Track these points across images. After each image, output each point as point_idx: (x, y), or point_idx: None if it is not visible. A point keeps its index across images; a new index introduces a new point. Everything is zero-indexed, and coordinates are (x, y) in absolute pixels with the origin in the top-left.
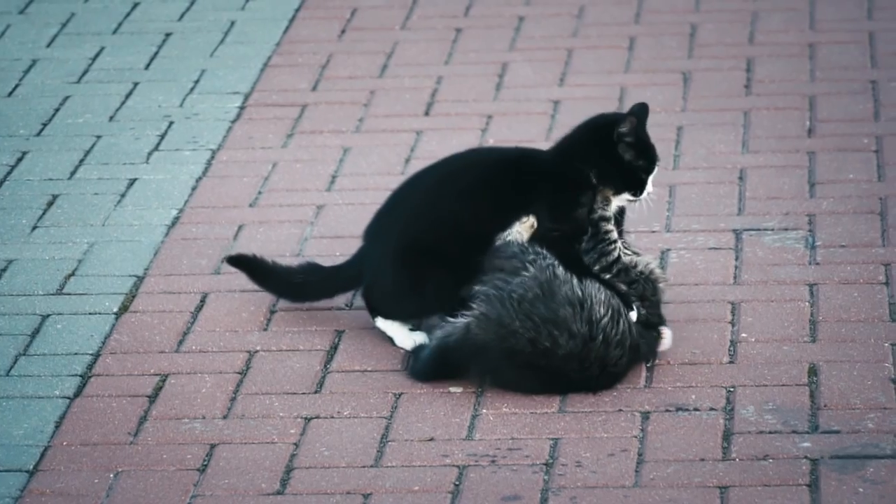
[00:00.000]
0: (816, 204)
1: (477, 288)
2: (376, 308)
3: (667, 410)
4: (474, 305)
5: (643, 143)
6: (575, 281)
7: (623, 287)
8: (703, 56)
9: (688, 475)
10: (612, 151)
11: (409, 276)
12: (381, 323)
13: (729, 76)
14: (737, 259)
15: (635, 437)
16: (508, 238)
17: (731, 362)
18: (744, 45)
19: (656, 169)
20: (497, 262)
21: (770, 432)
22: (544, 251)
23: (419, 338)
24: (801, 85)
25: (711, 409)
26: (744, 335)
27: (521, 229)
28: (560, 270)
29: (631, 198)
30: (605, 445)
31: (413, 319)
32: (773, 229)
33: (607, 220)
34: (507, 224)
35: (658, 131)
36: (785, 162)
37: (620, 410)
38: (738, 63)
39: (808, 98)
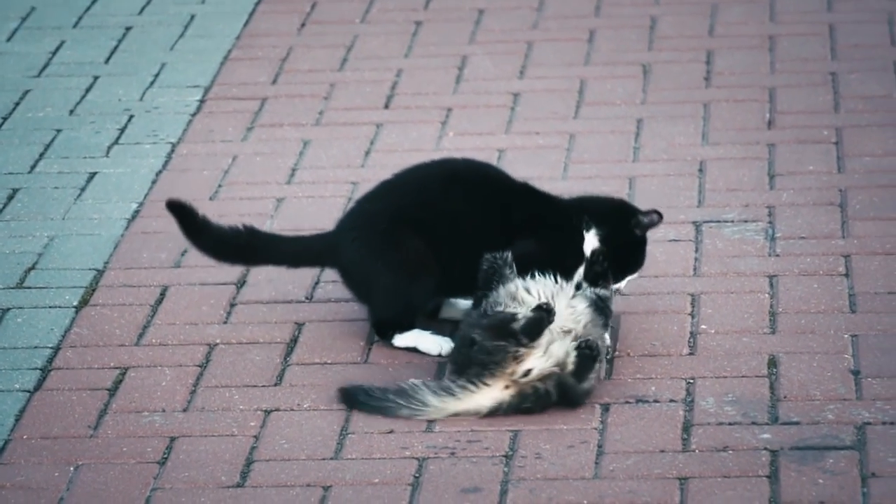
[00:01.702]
0: (776, 196)
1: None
2: (374, 320)
3: (626, 402)
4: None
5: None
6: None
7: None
8: (662, 48)
9: (647, 467)
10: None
11: (392, 250)
12: (399, 340)
13: (689, 68)
14: (696, 251)
15: (595, 428)
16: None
17: (690, 354)
18: (703, 38)
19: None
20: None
21: (730, 424)
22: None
23: (446, 345)
24: (760, 77)
25: (671, 400)
26: (703, 327)
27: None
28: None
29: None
30: (564, 437)
31: (402, 317)
32: (732, 221)
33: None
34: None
35: (618, 124)
36: (745, 154)
37: None
38: (697, 55)
39: (767, 90)
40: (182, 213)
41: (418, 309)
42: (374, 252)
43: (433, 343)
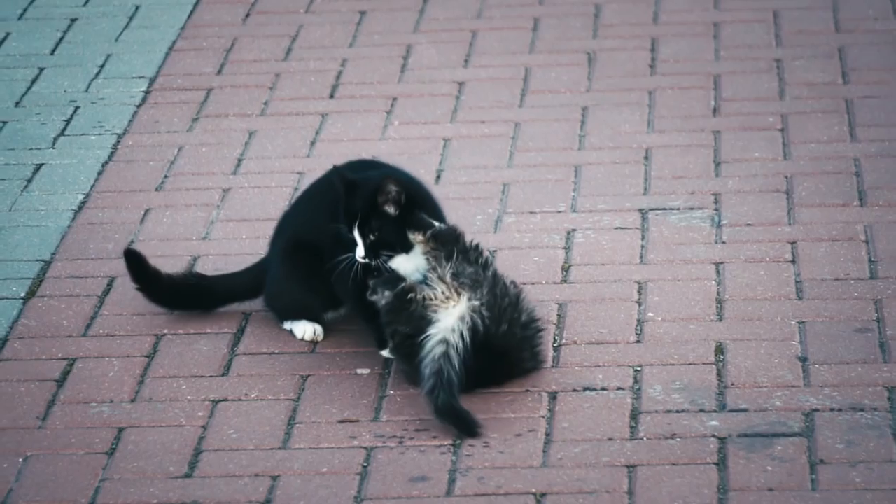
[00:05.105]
0: (722, 183)
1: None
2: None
3: (574, 390)
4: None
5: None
6: None
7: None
8: (607, 36)
9: (595, 455)
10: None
11: (289, 268)
12: (286, 324)
13: (633, 56)
14: (643, 238)
15: (543, 417)
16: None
17: (637, 342)
18: (648, 25)
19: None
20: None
21: (677, 411)
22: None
23: (318, 329)
24: (705, 64)
25: (619, 388)
26: (650, 314)
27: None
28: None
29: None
30: (512, 426)
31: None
32: (678, 208)
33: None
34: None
35: (563, 112)
36: (690, 141)
37: (528, 391)
38: (642, 43)
39: (712, 77)
40: (135, 263)
41: (311, 318)
42: (281, 270)
43: (308, 328)
